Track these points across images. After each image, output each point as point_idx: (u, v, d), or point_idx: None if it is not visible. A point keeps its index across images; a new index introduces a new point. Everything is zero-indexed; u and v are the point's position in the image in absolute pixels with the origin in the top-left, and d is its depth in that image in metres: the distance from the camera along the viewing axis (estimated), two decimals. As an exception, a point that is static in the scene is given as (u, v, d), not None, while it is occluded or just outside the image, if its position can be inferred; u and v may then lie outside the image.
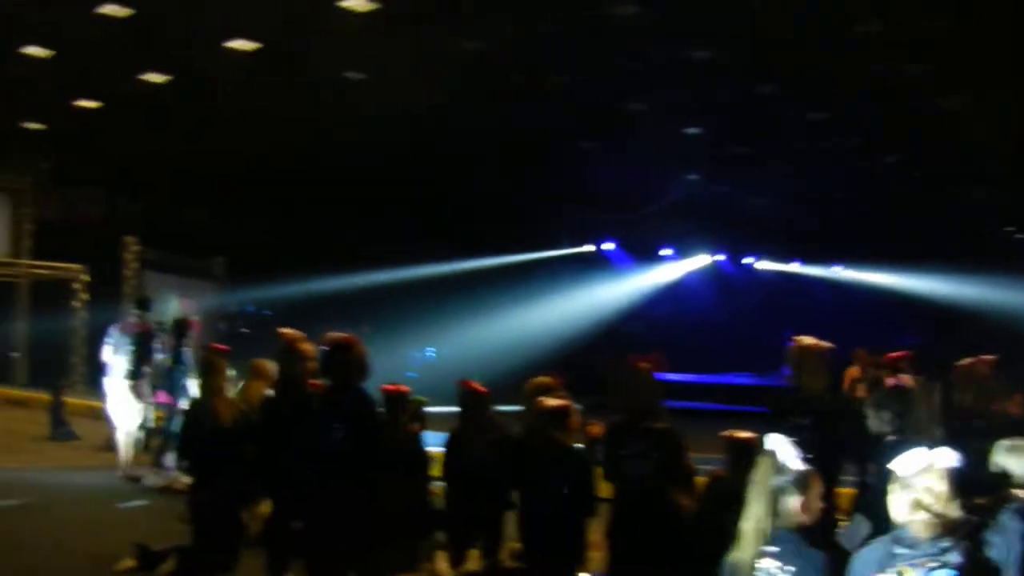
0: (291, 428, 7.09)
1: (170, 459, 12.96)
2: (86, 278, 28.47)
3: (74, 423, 18.80)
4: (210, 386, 8.92)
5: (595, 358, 31.08)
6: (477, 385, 9.38)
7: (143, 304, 14.40)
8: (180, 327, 13.99)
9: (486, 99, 24.33)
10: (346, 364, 6.81)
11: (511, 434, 9.07)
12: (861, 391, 12.19)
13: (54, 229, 32.25)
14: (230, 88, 23.67)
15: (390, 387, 9.29)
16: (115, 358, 13.56)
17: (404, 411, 9.20)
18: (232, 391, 9.26)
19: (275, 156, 30.30)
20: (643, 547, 7.36)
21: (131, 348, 13.46)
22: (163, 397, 13.47)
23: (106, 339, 13.84)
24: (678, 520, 7.41)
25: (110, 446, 14.22)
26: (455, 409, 9.41)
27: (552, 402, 7.96)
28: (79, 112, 26.79)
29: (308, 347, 7.92)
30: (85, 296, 28.44)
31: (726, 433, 7.59)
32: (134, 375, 13.42)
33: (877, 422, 6.88)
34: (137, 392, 13.51)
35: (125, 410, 13.49)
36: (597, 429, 8.40)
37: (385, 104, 24.46)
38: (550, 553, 7.63)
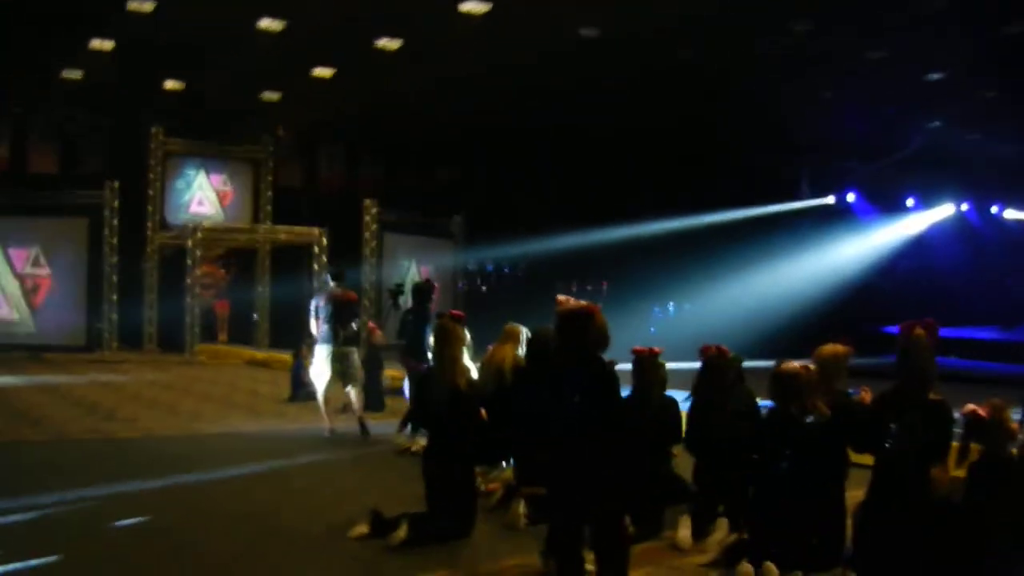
0: (535, 396, 6.76)
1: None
2: (325, 241, 28.89)
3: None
4: (444, 353, 8.66)
5: (845, 317, 30.28)
6: (723, 348, 8.83)
7: (337, 276, 14.38)
8: (421, 291, 13.87)
9: (724, 51, 23.70)
10: (586, 334, 6.36)
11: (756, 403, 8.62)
12: None
13: (294, 195, 33.06)
14: (462, 50, 23.60)
15: (641, 348, 8.86)
16: (318, 325, 13.77)
17: (655, 372, 8.77)
18: (468, 356, 8.99)
19: (510, 115, 30.23)
20: (897, 530, 6.75)
21: (331, 315, 13.65)
22: (409, 361, 13.33)
23: (310, 308, 14.03)
24: (940, 504, 6.76)
25: (346, 407, 14.49)
26: (695, 365, 8.94)
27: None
28: (315, 80, 27.19)
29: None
30: (324, 259, 28.90)
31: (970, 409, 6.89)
32: (334, 341, 13.64)
33: None
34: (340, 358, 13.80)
35: (322, 372, 13.77)
36: (867, 396, 7.77)
37: (620, 61, 24.13)
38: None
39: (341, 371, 13.82)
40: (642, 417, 8.49)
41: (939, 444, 6.76)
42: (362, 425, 13.71)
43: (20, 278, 26.83)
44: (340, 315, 13.76)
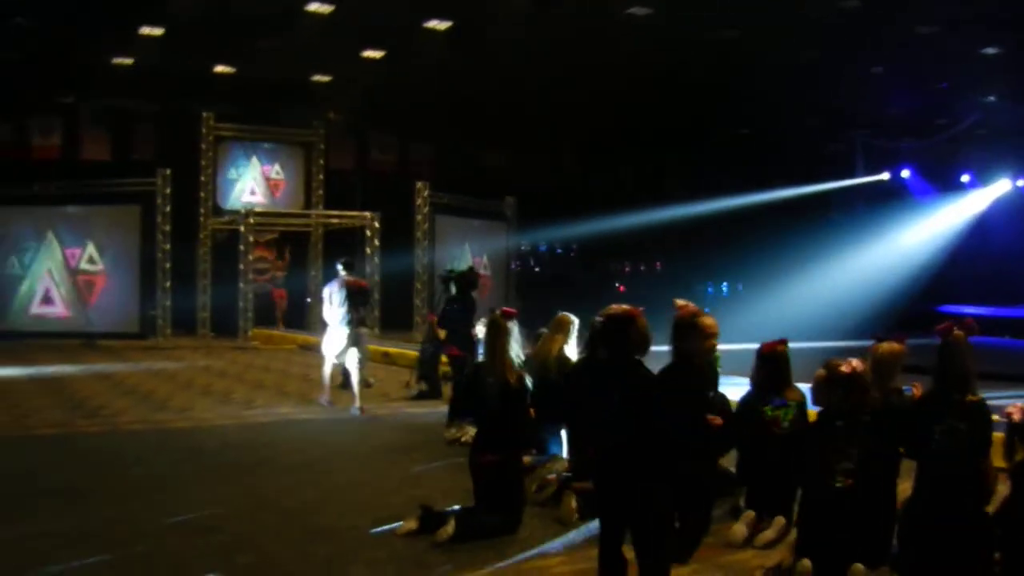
0: (583, 393, 6.70)
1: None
2: (377, 224, 28.87)
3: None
4: (495, 347, 8.62)
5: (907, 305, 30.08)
6: (778, 346, 8.62)
7: (348, 265, 15.50)
8: (466, 280, 13.92)
9: (776, 28, 23.45)
10: (627, 337, 6.30)
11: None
12: None
13: (346, 178, 33.09)
14: (513, 31, 23.50)
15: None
16: (333, 309, 14.88)
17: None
18: (518, 351, 8.88)
19: (561, 95, 30.11)
20: (940, 536, 6.64)
21: (344, 300, 14.77)
22: (454, 351, 13.48)
23: (323, 296, 15.27)
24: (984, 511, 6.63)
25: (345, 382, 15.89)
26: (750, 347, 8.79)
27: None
28: (365, 63, 27.17)
29: (708, 321, 8.10)
30: (377, 242, 28.88)
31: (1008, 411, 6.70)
32: (350, 323, 14.74)
33: None
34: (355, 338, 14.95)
35: (334, 351, 14.95)
36: (917, 392, 7.61)
37: (672, 39, 23.95)
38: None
39: (347, 350, 14.90)
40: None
41: (981, 445, 6.68)
42: (362, 410, 14.72)
43: (74, 275, 26.96)
44: (353, 300, 14.82)
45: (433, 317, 16.98)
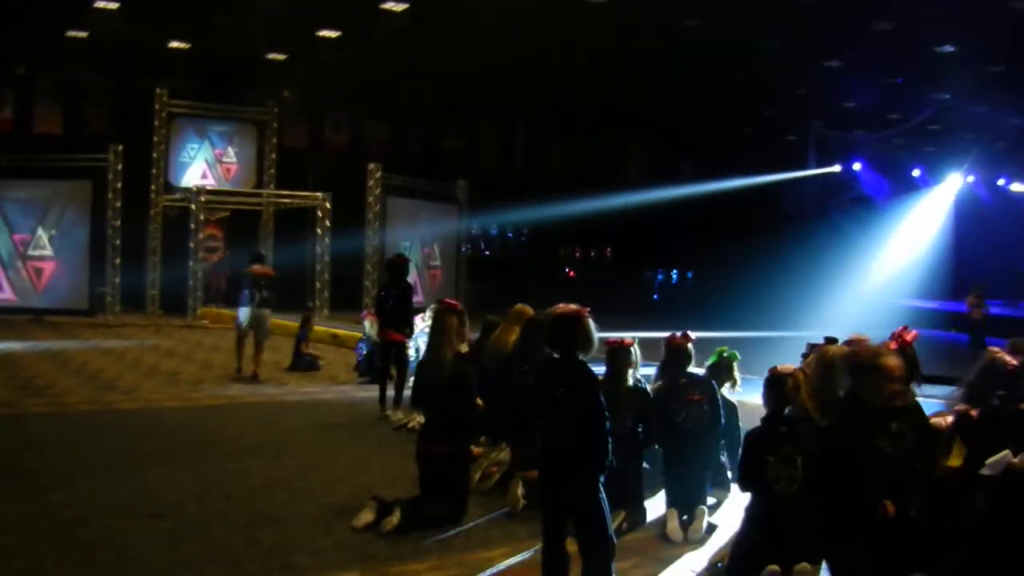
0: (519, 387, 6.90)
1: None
2: (329, 205, 28.81)
3: (317, 349, 19.07)
4: (441, 340, 8.78)
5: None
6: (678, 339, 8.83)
7: (256, 258, 17.82)
8: (396, 267, 14.15)
9: (734, 19, 23.60)
10: (572, 337, 6.51)
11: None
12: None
13: (299, 158, 32.95)
14: (469, 13, 23.49)
15: (613, 340, 8.84)
16: (241, 292, 17.14)
17: (629, 364, 8.72)
18: (464, 345, 9.01)
19: (516, 79, 30.14)
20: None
21: (250, 284, 16.85)
22: (394, 335, 13.67)
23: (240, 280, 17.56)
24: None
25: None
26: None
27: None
28: (321, 41, 27.08)
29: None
30: (328, 223, 28.82)
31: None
32: (252, 304, 16.81)
33: None
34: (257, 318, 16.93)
35: (241, 328, 17.00)
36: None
37: (627, 28, 24.02)
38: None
39: (255, 327, 16.84)
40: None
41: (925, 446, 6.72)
42: (255, 375, 16.74)
43: (24, 261, 26.63)
44: (258, 284, 16.80)
45: (370, 314, 17.10)
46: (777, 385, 7.08)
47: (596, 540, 6.33)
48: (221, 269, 29.68)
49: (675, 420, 8.57)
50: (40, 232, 26.38)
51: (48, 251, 26.48)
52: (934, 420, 6.95)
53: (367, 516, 8.08)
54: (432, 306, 10.90)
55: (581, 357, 6.46)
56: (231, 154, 31.48)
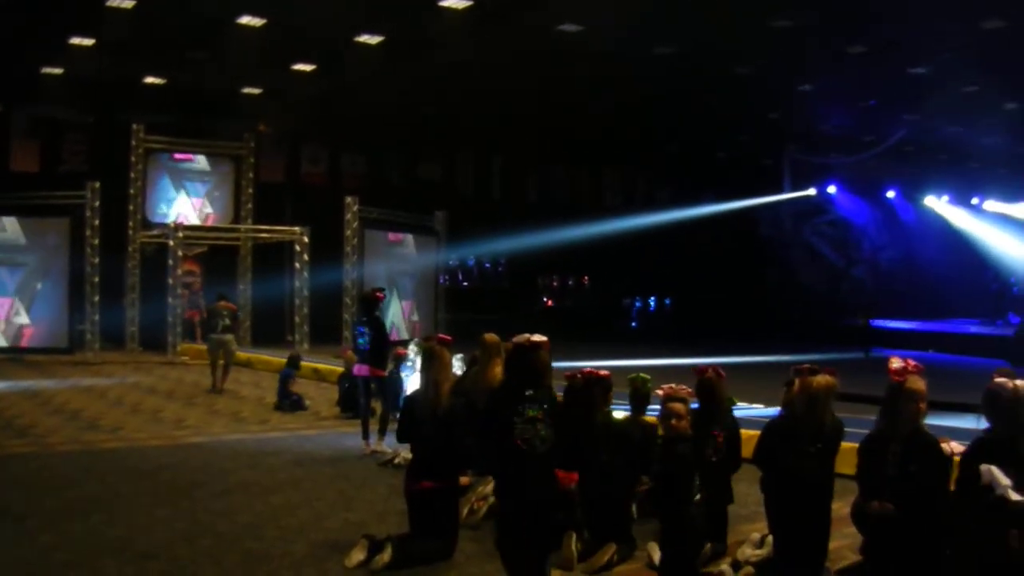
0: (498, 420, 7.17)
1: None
2: (307, 239, 28.79)
3: (298, 385, 18.97)
4: (430, 376, 8.76)
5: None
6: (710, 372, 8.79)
7: (220, 297, 21.76)
8: (369, 301, 14.08)
9: (705, 45, 23.80)
10: (532, 365, 7.02)
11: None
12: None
13: (276, 192, 32.94)
14: (444, 47, 23.60)
15: (582, 372, 8.92)
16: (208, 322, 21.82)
17: (602, 395, 8.78)
18: (452, 378, 9.04)
19: (491, 111, 30.27)
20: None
21: (212, 314, 21.34)
22: (363, 370, 13.62)
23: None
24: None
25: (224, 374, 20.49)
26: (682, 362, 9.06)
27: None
28: (296, 76, 27.17)
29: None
30: (306, 257, 28.79)
31: None
32: (215, 332, 20.71)
33: None
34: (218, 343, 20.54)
35: (210, 352, 20.81)
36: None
37: (601, 55, 24.19)
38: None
39: (220, 351, 20.28)
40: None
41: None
42: (215, 387, 20.09)
43: (4, 325, 26.61)
44: (221, 314, 20.73)
45: (348, 351, 17.08)
46: None
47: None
48: (195, 305, 29.50)
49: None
50: (17, 302, 26.31)
51: (26, 319, 26.42)
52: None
53: (359, 555, 8.06)
54: (416, 340, 10.93)
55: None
56: (208, 204, 31.34)
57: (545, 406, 6.98)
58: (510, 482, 7.08)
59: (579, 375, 9.02)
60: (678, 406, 7.55)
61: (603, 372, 9.00)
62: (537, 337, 7.19)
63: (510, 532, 7.02)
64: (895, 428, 7.02)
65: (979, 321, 35.33)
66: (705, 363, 8.79)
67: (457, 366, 10.54)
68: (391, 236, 30.42)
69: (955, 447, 7.74)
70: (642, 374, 9.09)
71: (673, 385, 7.91)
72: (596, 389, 8.81)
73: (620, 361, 10.01)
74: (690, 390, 8.08)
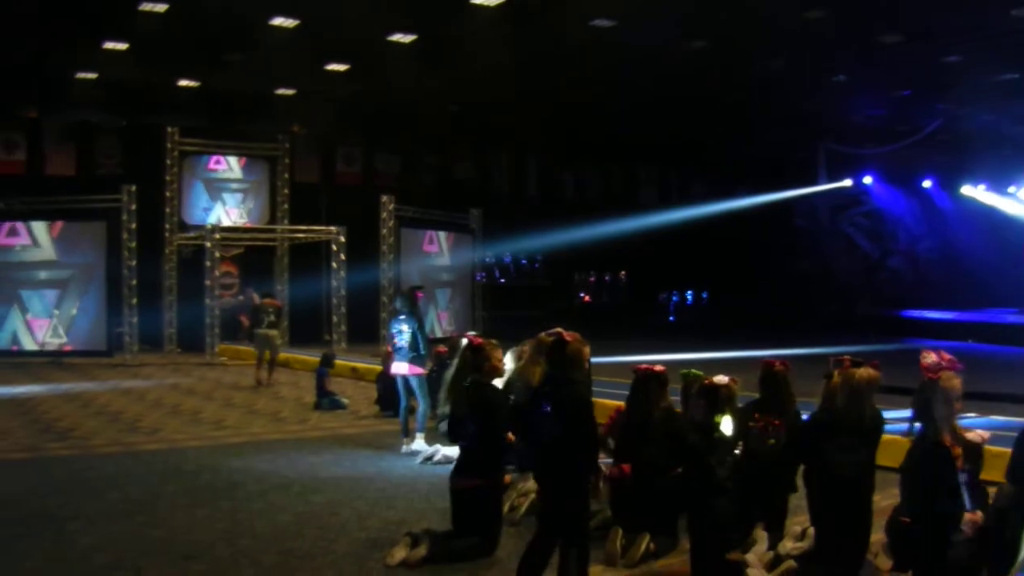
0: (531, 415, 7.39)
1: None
2: (343, 239, 28.79)
3: (336, 384, 18.97)
4: (476, 374, 8.79)
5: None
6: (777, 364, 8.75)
7: (265, 295, 23.06)
8: (408, 299, 14.03)
9: (738, 38, 23.70)
10: (562, 359, 7.33)
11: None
12: None
13: (311, 192, 33.00)
14: (477, 44, 23.59)
15: (643, 367, 8.86)
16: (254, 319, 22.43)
17: (658, 390, 8.72)
18: (502, 374, 9.10)
19: (525, 109, 30.23)
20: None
21: (255, 310, 22.43)
22: (402, 368, 13.57)
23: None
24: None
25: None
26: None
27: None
28: (330, 75, 27.20)
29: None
30: (343, 256, 28.80)
31: None
32: (261, 325, 21.67)
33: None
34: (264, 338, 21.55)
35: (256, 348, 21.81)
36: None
37: (635, 50, 24.11)
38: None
39: (266, 346, 21.32)
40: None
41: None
42: (259, 382, 21.03)
43: (41, 346, 26.78)
44: (266, 311, 21.63)
45: (390, 349, 17.07)
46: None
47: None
48: (245, 309, 29.49)
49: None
50: (55, 321, 26.50)
51: (64, 339, 26.59)
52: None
53: (401, 552, 8.04)
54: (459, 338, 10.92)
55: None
56: (244, 215, 31.43)
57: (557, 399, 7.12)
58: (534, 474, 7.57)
59: (637, 370, 8.98)
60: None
61: (658, 367, 8.94)
62: (567, 334, 7.42)
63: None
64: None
65: (1018, 310, 35.01)
66: (772, 355, 8.71)
67: (509, 363, 10.45)
68: (426, 247, 30.43)
69: (983, 435, 7.60)
70: (694, 370, 9.04)
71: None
72: (652, 384, 8.76)
73: (662, 355, 9.97)
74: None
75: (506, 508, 9.29)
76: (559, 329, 7.70)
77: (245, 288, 29.56)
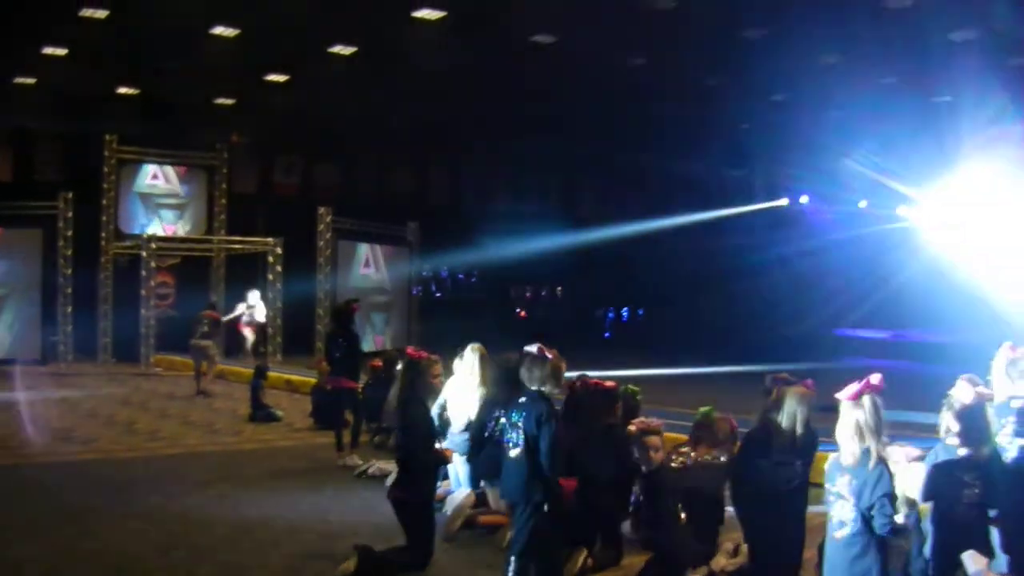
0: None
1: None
2: (280, 250, 28.70)
3: (271, 396, 18.95)
4: (414, 389, 8.78)
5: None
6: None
7: (209, 305, 23.67)
8: (343, 313, 14.15)
9: (679, 57, 23.93)
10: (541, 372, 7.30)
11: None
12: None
13: (248, 202, 32.84)
14: (417, 57, 23.66)
15: (584, 381, 9.00)
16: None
17: (606, 406, 8.86)
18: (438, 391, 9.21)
19: (463, 121, 30.34)
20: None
21: (196, 321, 22.00)
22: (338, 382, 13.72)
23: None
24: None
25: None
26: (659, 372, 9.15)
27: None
28: (269, 86, 27.18)
29: None
30: (280, 268, 28.70)
31: None
32: (195, 336, 21.72)
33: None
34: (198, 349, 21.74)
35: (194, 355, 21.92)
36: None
37: (574, 67, 24.29)
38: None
39: (201, 356, 21.49)
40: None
41: None
42: (202, 392, 21.14)
43: None
44: (201, 321, 21.76)
45: (322, 363, 17.09)
46: None
47: None
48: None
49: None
50: None
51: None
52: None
53: (349, 565, 8.09)
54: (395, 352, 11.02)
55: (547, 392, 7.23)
56: (180, 229, 31.16)
57: (524, 413, 7.19)
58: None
59: (579, 384, 9.10)
60: (654, 440, 7.74)
61: (609, 383, 9.05)
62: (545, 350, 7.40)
63: None
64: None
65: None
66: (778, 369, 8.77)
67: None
68: (363, 270, 30.49)
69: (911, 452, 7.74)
70: (631, 385, 9.18)
71: (643, 419, 8.08)
72: (598, 399, 8.88)
73: (598, 372, 10.10)
74: (660, 423, 8.18)
75: (458, 523, 9.38)
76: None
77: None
